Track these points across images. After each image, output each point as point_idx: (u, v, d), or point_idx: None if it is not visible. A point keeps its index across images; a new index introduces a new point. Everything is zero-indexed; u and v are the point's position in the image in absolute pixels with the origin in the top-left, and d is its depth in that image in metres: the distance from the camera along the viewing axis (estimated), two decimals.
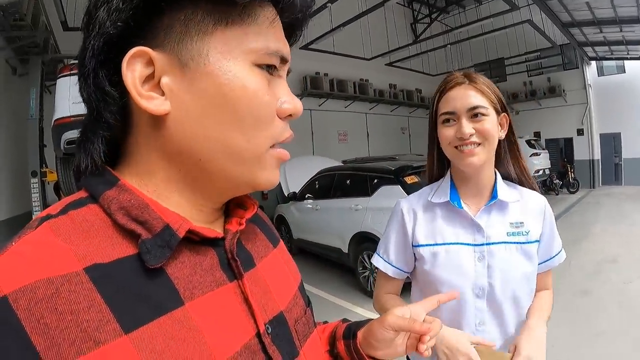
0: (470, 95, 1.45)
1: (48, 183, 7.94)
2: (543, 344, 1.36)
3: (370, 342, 0.96)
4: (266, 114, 0.63)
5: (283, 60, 0.66)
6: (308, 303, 0.89)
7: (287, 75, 0.71)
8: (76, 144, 0.65)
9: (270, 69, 0.64)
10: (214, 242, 0.66)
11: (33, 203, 7.55)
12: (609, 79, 20.28)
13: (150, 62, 0.58)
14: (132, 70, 0.57)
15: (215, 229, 0.67)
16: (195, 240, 0.63)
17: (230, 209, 0.76)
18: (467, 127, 1.43)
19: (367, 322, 1.01)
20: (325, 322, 1.10)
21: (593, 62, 20.52)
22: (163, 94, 0.59)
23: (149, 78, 0.59)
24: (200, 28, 0.59)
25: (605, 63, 20.36)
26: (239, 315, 0.64)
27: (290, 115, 0.67)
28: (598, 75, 20.72)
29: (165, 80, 0.59)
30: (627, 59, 18.91)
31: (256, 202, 0.78)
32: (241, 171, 0.64)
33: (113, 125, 0.61)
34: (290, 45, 0.72)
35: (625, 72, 19.76)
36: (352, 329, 1.00)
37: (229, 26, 0.60)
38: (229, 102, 0.60)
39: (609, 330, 4.86)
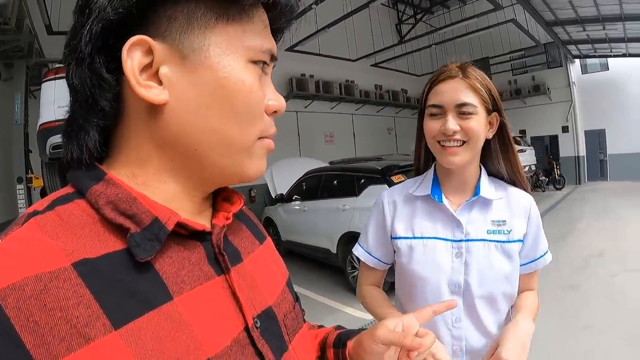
0: (460, 91, 1.41)
1: (34, 189, 7.85)
2: (527, 345, 1.29)
3: (359, 353, 0.93)
4: (258, 109, 0.66)
5: (273, 58, 0.69)
6: (296, 298, 0.89)
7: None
8: (63, 134, 0.64)
9: (263, 66, 0.67)
10: (201, 237, 0.66)
11: (19, 210, 7.46)
12: (593, 77, 20.57)
13: (149, 52, 0.59)
14: (131, 58, 0.57)
15: (203, 222, 0.67)
16: (182, 235, 0.63)
17: (217, 203, 0.76)
18: (452, 123, 1.40)
19: (358, 332, 0.99)
20: (321, 326, 1.10)
21: (577, 60, 20.76)
22: (160, 83, 0.60)
23: (147, 67, 0.59)
24: (203, 22, 0.60)
25: (589, 61, 20.62)
26: (227, 310, 0.64)
27: (275, 112, 0.70)
28: (582, 73, 21.00)
29: (164, 70, 0.59)
30: (610, 56, 19.17)
31: (242, 196, 0.79)
32: (232, 162, 0.66)
33: (108, 113, 0.61)
34: None
35: (608, 69, 20.06)
36: (342, 338, 0.99)
37: (229, 22, 0.62)
38: (226, 95, 0.61)
39: (596, 324, 4.91)
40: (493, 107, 1.47)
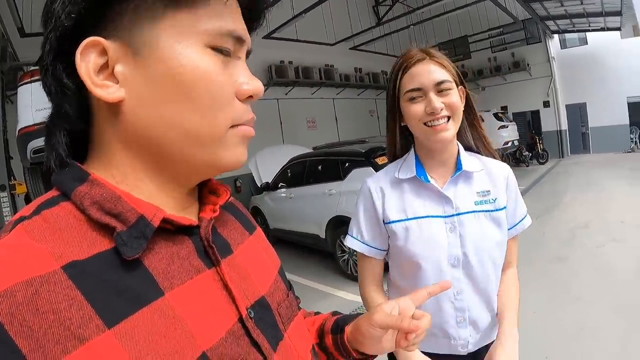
0: (435, 71, 1.46)
1: (18, 196, 7.75)
2: (516, 355, 1.41)
3: (357, 338, 0.95)
4: (222, 95, 0.63)
5: (240, 40, 0.65)
6: (289, 287, 0.89)
7: (247, 57, 0.70)
8: (45, 140, 0.65)
9: (225, 50, 0.63)
10: (189, 231, 0.66)
11: (5, 218, 7.37)
12: (572, 51, 20.68)
13: (103, 52, 0.58)
14: (87, 61, 0.57)
15: (189, 217, 0.66)
16: (170, 230, 0.62)
17: (203, 196, 0.76)
18: (437, 101, 1.44)
19: (355, 317, 1.00)
20: (317, 313, 1.10)
21: (555, 35, 20.85)
22: (118, 82, 0.59)
23: (104, 67, 0.58)
24: (151, 13, 0.58)
25: (568, 36, 20.71)
26: (220, 302, 0.64)
27: (251, 96, 0.67)
28: (561, 48, 21.10)
29: (119, 69, 0.59)
30: (588, 30, 19.25)
31: (229, 188, 0.78)
32: (202, 153, 0.63)
33: (74, 117, 0.61)
34: (252, 32, 0.73)
35: (587, 43, 20.16)
36: (339, 324, 1.00)
37: (179, 8, 0.59)
38: (181, 85, 0.59)
39: (584, 295, 4.97)
40: (459, 81, 1.55)
